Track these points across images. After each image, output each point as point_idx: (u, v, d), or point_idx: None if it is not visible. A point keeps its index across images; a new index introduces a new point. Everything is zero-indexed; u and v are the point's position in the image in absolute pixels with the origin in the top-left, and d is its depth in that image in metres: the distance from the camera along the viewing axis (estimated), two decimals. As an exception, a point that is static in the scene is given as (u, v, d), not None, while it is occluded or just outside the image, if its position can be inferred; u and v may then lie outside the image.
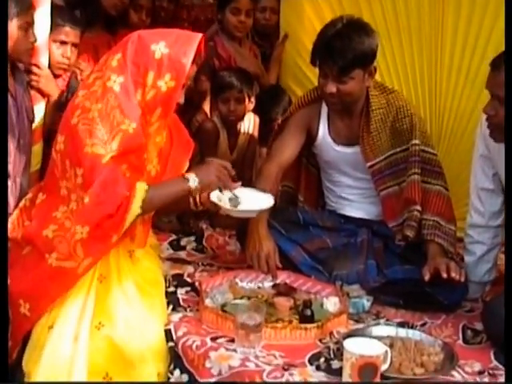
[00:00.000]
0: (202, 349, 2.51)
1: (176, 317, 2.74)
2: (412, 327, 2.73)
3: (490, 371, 2.45)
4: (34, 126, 3.02)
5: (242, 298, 2.89)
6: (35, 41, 2.90)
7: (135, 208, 2.54)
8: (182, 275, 3.18)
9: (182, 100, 2.72)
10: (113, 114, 2.55)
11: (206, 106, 4.23)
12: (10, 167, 2.84)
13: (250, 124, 4.16)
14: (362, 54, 2.95)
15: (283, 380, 2.33)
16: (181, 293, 2.98)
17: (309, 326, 2.60)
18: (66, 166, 2.59)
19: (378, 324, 2.75)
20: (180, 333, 2.61)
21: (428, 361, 2.42)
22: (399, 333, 2.60)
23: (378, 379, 2.26)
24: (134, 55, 2.60)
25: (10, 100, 2.81)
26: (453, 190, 3.20)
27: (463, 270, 2.85)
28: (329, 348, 2.53)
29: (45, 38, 3.00)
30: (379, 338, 2.46)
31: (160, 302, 2.75)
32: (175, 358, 2.57)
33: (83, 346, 2.52)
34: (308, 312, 2.69)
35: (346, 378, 2.26)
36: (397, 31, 3.89)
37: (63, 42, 3.21)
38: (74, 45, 3.26)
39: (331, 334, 2.64)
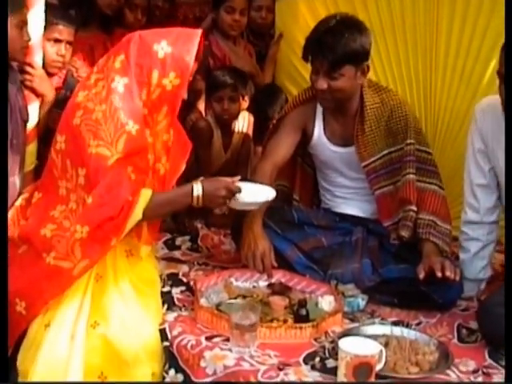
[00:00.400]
0: (197, 348, 2.51)
1: (171, 316, 2.74)
2: (407, 326, 2.72)
3: (485, 370, 2.46)
4: (28, 126, 3.00)
5: (236, 297, 2.88)
6: (29, 39, 2.89)
7: (137, 213, 2.56)
8: (176, 274, 3.18)
9: (185, 96, 2.75)
10: (117, 116, 2.57)
11: (201, 105, 4.22)
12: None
13: (244, 123, 4.16)
14: (353, 51, 2.95)
15: (278, 380, 2.33)
16: (176, 292, 2.98)
17: (304, 325, 2.61)
18: (66, 166, 2.61)
19: (373, 323, 2.75)
20: (175, 332, 2.61)
21: (423, 360, 2.42)
22: (394, 332, 2.60)
23: (372, 379, 2.26)
24: (136, 56, 2.63)
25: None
26: (448, 189, 3.20)
27: (458, 269, 2.85)
28: (324, 347, 2.54)
29: (38, 37, 2.99)
30: (374, 337, 2.47)
31: (155, 302, 2.76)
32: (170, 358, 2.57)
33: (79, 345, 2.53)
34: (303, 311, 2.69)
35: (340, 377, 2.26)
36: (392, 30, 3.90)
37: (57, 40, 3.20)
38: (68, 43, 3.25)
39: (326, 333, 2.64)
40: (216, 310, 2.72)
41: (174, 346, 2.56)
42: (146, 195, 2.59)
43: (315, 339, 2.60)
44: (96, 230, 2.53)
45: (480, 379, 2.41)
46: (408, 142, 3.09)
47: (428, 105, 3.85)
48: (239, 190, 2.70)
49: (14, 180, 2.91)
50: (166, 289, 2.97)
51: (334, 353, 2.42)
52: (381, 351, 2.31)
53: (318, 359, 2.46)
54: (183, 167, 2.91)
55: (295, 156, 3.33)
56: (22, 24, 2.82)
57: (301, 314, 2.69)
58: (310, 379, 2.34)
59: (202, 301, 2.77)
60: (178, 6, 4.86)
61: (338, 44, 2.93)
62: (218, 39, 4.37)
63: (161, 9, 4.54)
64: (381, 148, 3.13)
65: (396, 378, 2.34)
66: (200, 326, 2.66)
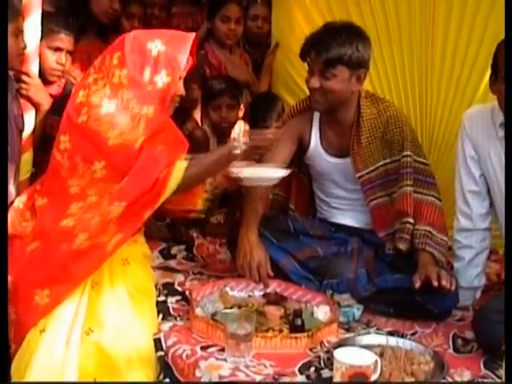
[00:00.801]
0: (192, 358, 2.50)
1: (166, 326, 2.73)
2: (402, 336, 2.72)
3: (480, 380, 2.45)
4: (23, 134, 3.00)
5: (232, 306, 2.88)
6: (25, 47, 2.89)
7: (171, 186, 2.62)
8: (172, 284, 3.18)
9: (183, 92, 2.80)
10: (130, 106, 2.64)
11: (197, 114, 4.23)
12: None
13: (240, 132, 4.16)
14: (347, 52, 2.96)
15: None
16: (171, 301, 2.98)
17: (299, 335, 2.60)
18: (76, 164, 2.65)
19: (369, 333, 2.75)
20: (170, 342, 2.61)
21: (418, 370, 2.42)
22: (389, 342, 2.60)
23: (368, 389, 2.26)
24: (130, 53, 2.68)
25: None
26: (443, 199, 3.20)
27: (453, 279, 2.85)
28: (319, 357, 2.53)
29: (35, 46, 2.99)
30: (369, 347, 2.47)
31: (150, 311, 2.76)
32: (165, 368, 2.56)
33: (74, 352, 2.54)
34: (298, 321, 2.68)
35: (336, 387, 2.26)
36: (388, 40, 3.91)
37: (58, 49, 3.20)
38: (68, 51, 3.25)
39: (322, 343, 2.64)
40: (211, 319, 2.72)
41: (169, 356, 2.56)
42: (179, 168, 2.63)
43: (310, 349, 2.59)
44: (131, 206, 2.59)
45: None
46: (405, 153, 3.09)
47: (424, 115, 3.86)
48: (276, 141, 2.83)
49: (9, 188, 2.90)
50: (162, 298, 2.97)
51: (330, 363, 2.42)
52: (376, 361, 2.31)
53: (313, 369, 2.46)
54: None
55: (291, 166, 3.33)
56: (18, 32, 2.82)
57: (296, 323, 2.68)
58: (305, 389, 2.34)
59: (198, 310, 2.77)
60: (173, 16, 4.87)
61: (333, 42, 2.95)
62: (214, 48, 4.39)
63: (157, 18, 4.56)
64: (376, 159, 3.13)
65: (391, 388, 2.34)
66: (195, 335, 2.66)
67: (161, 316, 2.80)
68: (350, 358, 2.26)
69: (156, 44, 2.68)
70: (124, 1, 4.20)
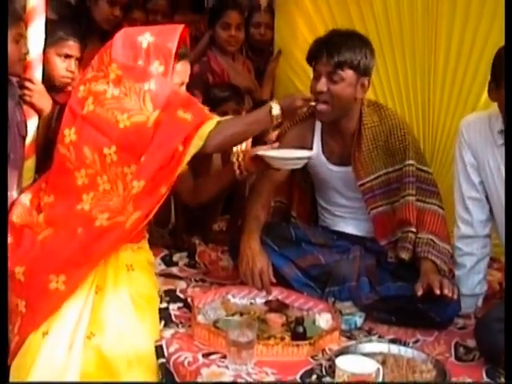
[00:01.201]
0: (194, 365, 2.50)
1: (168, 333, 2.73)
2: (404, 344, 2.72)
3: (482, 388, 2.46)
4: (26, 141, 3.00)
5: (234, 314, 2.88)
6: (27, 53, 2.90)
7: (187, 158, 2.67)
8: (174, 291, 3.17)
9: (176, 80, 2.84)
10: (133, 88, 2.70)
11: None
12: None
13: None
14: (357, 57, 2.98)
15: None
16: (173, 308, 2.97)
17: (301, 342, 2.60)
18: (83, 154, 2.69)
19: (371, 341, 2.75)
20: (172, 349, 2.60)
21: (420, 378, 2.42)
22: (391, 350, 2.59)
23: (369, 397, 2.25)
24: (122, 48, 2.75)
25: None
26: (446, 207, 3.19)
27: (455, 288, 2.85)
28: (321, 365, 2.53)
29: (38, 52, 2.99)
30: (371, 355, 2.47)
31: (153, 318, 2.76)
32: (167, 375, 2.56)
33: (77, 356, 2.54)
34: (300, 329, 2.68)
35: (338, 395, 2.26)
36: (390, 48, 3.92)
37: (67, 56, 3.21)
38: (77, 58, 3.26)
39: (323, 350, 2.63)
40: (213, 326, 2.72)
41: (171, 363, 2.56)
42: (201, 136, 2.66)
43: (312, 357, 2.59)
44: (149, 182, 2.62)
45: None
46: (407, 162, 3.09)
47: (426, 123, 3.86)
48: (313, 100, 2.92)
49: (12, 195, 2.90)
50: (164, 305, 2.96)
51: (331, 371, 2.42)
52: (378, 369, 2.31)
53: (314, 377, 2.45)
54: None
55: (293, 173, 3.33)
56: (19, 37, 2.83)
57: (298, 331, 2.68)
58: (307, 397, 2.34)
59: (200, 317, 2.77)
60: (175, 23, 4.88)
61: (344, 45, 2.98)
62: (217, 55, 4.41)
63: (160, 24, 4.56)
64: (378, 167, 3.13)
65: (393, 396, 2.34)
66: (197, 342, 2.66)
67: (163, 323, 2.80)
68: (351, 365, 2.25)
69: (145, 36, 2.75)
70: (126, 7, 4.22)
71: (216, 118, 2.75)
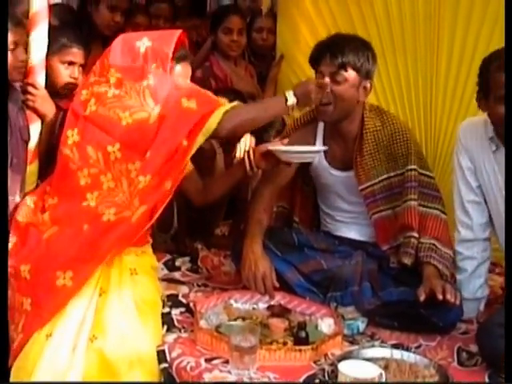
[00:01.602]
0: (197, 370, 2.50)
1: (170, 338, 2.73)
2: (407, 349, 2.71)
3: (485, 393, 2.45)
4: (29, 146, 3.00)
5: (236, 319, 2.88)
6: (25, 59, 2.90)
7: (191, 154, 2.71)
8: (176, 296, 3.17)
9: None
10: (134, 88, 2.73)
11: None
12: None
13: (246, 144, 4.16)
14: (360, 59, 3.01)
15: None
16: (175, 313, 2.97)
17: (303, 347, 2.60)
18: (87, 153, 2.72)
19: (373, 346, 2.74)
20: (174, 354, 2.60)
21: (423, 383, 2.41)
22: (394, 355, 2.59)
23: (372, 402, 2.25)
24: (121, 53, 2.78)
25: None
26: (448, 212, 3.19)
27: (458, 293, 2.85)
28: (323, 370, 2.53)
29: (41, 57, 3.00)
30: (374, 360, 2.46)
31: (155, 322, 2.77)
32: (169, 380, 2.56)
33: (80, 358, 2.55)
34: (303, 334, 2.68)
35: (340, 400, 2.26)
36: (392, 52, 3.92)
37: (71, 63, 3.21)
38: (80, 65, 3.26)
39: (326, 355, 2.63)
40: (216, 331, 2.71)
41: (174, 368, 2.56)
42: (208, 129, 2.69)
43: (315, 362, 2.59)
44: (155, 177, 2.65)
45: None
46: (409, 167, 3.10)
47: (428, 128, 3.86)
48: (327, 86, 2.95)
49: (15, 199, 2.90)
50: (166, 310, 2.96)
51: (334, 376, 2.42)
52: (380, 374, 2.31)
53: (317, 382, 2.46)
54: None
55: (295, 178, 3.33)
56: (15, 45, 2.82)
57: (300, 336, 2.68)
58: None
59: (202, 322, 2.77)
60: (177, 28, 4.88)
61: (348, 47, 3.01)
62: (220, 60, 4.42)
63: (162, 29, 4.56)
64: (380, 172, 3.14)
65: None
66: (199, 347, 2.66)
67: (165, 328, 2.80)
68: (354, 370, 2.25)
69: (143, 41, 2.79)
70: (129, 12, 4.23)
71: (225, 106, 2.76)
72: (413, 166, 3.10)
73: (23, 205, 2.83)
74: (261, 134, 4.19)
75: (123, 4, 4.14)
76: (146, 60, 2.76)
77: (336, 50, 3.00)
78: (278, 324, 2.79)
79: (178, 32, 2.86)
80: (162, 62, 2.76)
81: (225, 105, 2.78)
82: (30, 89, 2.99)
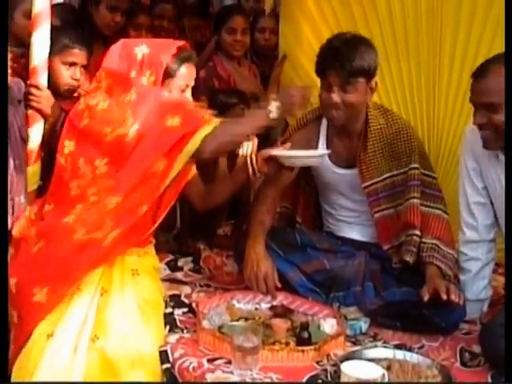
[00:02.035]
0: (199, 370, 2.50)
1: (173, 338, 2.73)
2: (409, 350, 2.71)
3: (488, 394, 2.45)
4: (32, 146, 3.00)
5: (239, 319, 2.88)
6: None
7: (170, 178, 2.66)
8: (179, 296, 3.18)
9: (190, 98, 2.86)
10: (120, 100, 2.69)
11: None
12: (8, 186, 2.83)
13: (248, 145, 4.15)
14: (367, 64, 2.98)
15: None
16: (178, 314, 2.98)
17: (306, 348, 2.60)
18: (78, 165, 2.69)
19: (376, 346, 2.74)
20: (177, 354, 2.61)
21: (425, 384, 2.41)
22: (396, 355, 2.59)
23: (375, 402, 2.25)
24: (118, 59, 2.76)
25: None
26: (451, 212, 3.19)
27: (461, 293, 2.85)
28: (326, 370, 2.53)
29: (44, 58, 3.00)
30: (376, 361, 2.46)
31: (158, 323, 2.77)
32: (171, 380, 2.56)
33: (81, 358, 2.55)
34: (305, 334, 2.68)
35: (343, 400, 2.26)
36: (395, 53, 3.92)
37: (73, 64, 3.21)
38: (82, 66, 3.26)
39: (328, 356, 2.63)
40: (218, 332, 2.72)
41: (176, 368, 2.56)
42: (186, 153, 2.64)
43: (317, 362, 2.59)
44: (127, 199, 2.62)
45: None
46: (412, 166, 3.10)
47: (431, 129, 3.86)
48: (310, 94, 2.88)
49: (20, 199, 2.91)
50: (168, 310, 2.97)
51: (336, 376, 2.41)
52: (383, 375, 2.31)
53: (320, 382, 2.45)
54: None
55: (298, 178, 3.33)
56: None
57: (303, 336, 2.68)
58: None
59: (204, 323, 2.77)
60: (181, 28, 4.89)
61: (354, 54, 2.96)
62: (223, 60, 4.42)
63: (166, 30, 4.56)
64: (383, 170, 3.14)
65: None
66: (202, 348, 2.66)
67: (168, 328, 2.80)
68: (357, 371, 2.25)
69: (142, 48, 2.77)
70: (130, 12, 4.23)
71: (209, 126, 2.65)
72: (415, 165, 3.10)
73: (23, 217, 2.84)
74: (267, 131, 4.19)
75: (123, 4, 4.13)
76: (141, 66, 2.74)
77: (345, 59, 2.95)
78: (281, 324, 2.79)
79: (179, 43, 2.83)
80: (156, 69, 2.73)
81: (210, 122, 2.67)
82: (34, 90, 2.99)
